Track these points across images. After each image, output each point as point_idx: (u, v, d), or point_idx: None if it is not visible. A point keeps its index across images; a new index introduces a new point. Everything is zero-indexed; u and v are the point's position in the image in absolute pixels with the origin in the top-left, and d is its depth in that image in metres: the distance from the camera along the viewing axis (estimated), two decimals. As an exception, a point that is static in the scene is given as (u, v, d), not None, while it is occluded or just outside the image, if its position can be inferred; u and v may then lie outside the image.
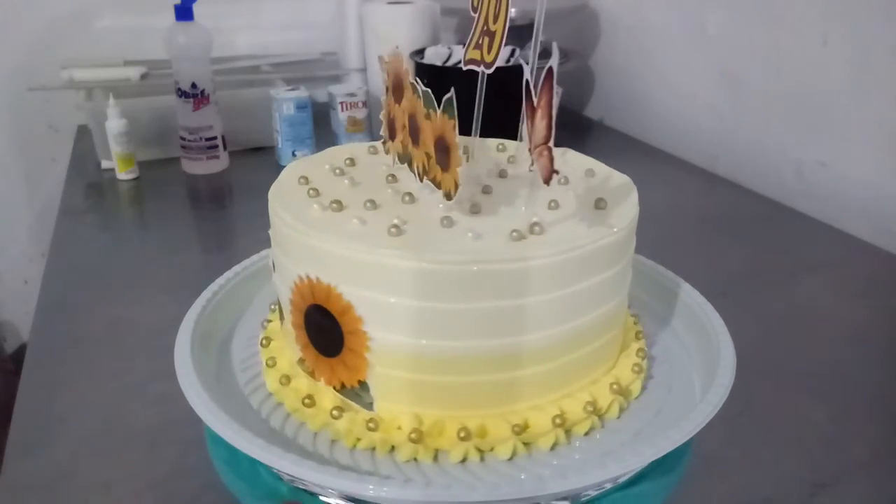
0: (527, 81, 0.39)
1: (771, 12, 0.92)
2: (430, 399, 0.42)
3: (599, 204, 0.45)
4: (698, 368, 0.49)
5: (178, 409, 0.43)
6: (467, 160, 0.50)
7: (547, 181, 0.38)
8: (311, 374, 0.45)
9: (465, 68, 0.45)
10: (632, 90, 1.20)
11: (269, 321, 0.52)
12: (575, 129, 1.23)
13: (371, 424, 0.42)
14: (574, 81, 1.30)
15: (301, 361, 0.46)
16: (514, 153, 0.54)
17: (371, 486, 0.37)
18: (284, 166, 0.51)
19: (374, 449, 0.42)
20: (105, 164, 0.99)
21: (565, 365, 0.44)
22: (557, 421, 0.42)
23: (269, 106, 1.00)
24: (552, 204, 0.44)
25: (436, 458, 0.42)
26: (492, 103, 0.49)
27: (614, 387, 0.45)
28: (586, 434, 0.44)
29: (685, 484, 0.45)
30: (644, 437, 0.43)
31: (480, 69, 0.45)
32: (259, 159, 1.04)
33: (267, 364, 0.48)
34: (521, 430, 0.42)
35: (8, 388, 0.63)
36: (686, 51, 1.07)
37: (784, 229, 0.84)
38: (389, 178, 0.48)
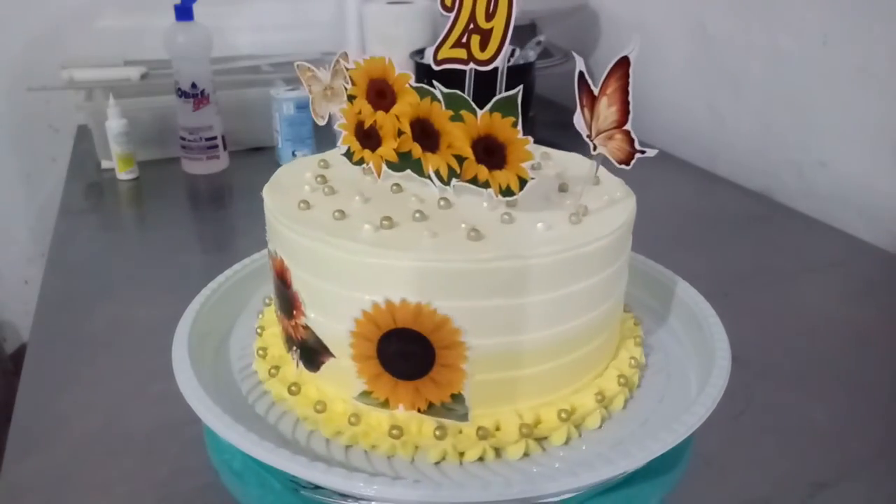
0: (580, 73, 0.41)
1: (771, 12, 0.92)
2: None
3: (594, 205, 0.45)
4: (695, 366, 0.49)
5: (178, 409, 0.43)
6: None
7: (625, 162, 0.40)
8: (385, 403, 0.43)
9: (437, 67, 0.45)
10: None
11: (263, 328, 0.52)
12: (575, 129, 1.23)
13: (395, 431, 0.42)
14: (574, 81, 1.29)
15: (366, 394, 0.43)
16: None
17: (361, 483, 0.37)
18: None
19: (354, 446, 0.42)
20: (105, 164, 0.99)
21: (562, 365, 0.44)
22: (563, 415, 0.42)
23: (269, 106, 1.00)
24: (550, 205, 0.44)
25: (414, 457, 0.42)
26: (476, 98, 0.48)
27: (598, 396, 0.45)
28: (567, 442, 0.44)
29: (685, 484, 0.45)
30: (637, 438, 0.43)
31: (469, 67, 0.44)
32: (259, 159, 1.04)
33: (269, 374, 0.47)
34: (529, 429, 0.42)
35: (8, 388, 0.63)
36: (686, 51, 1.07)
37: (784, 229, 0.84)
38: (394, 187, 0.46)
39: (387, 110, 0.45)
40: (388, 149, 0.46)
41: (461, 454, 0.42)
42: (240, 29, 1.25)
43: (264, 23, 1.28)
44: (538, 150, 0.53)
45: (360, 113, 0.47)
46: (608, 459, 0.39)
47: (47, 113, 1.21)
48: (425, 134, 0.43)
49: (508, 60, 0.97)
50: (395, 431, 0.41)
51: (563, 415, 0.43)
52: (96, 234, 0.85)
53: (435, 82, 0.42)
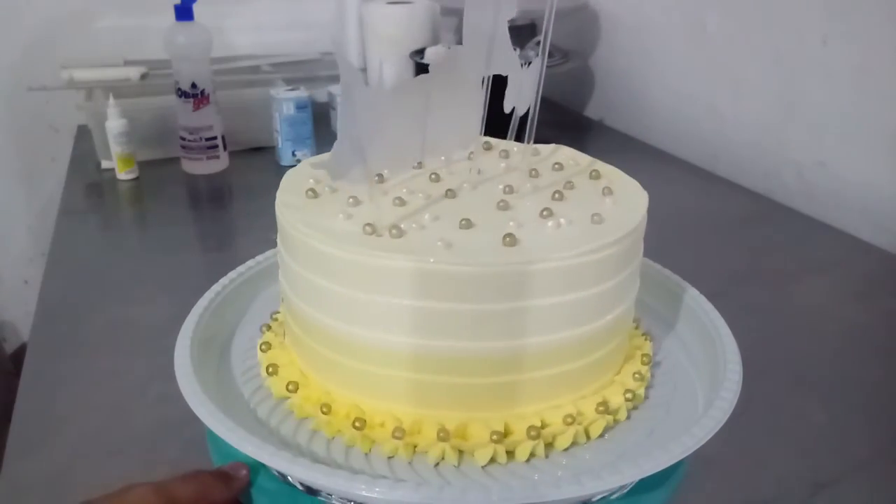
0: None
1: (771, 12, 0.92)
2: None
3: (606, 209, 0.45)
4: (702, 377, 0.49)
5: (178, 409, 0.43)
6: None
7: None
8: None
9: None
10: (632, 90, 1.19)
11: (269, 327, 0.52)
12: (575, 129, 1.23)
13: (357, 424, 0.42)
14: (574, 81, 1.30)
15: None
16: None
17: (363, 486, 0.37)
18: (284, 166, 0.51)
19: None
20: (105, 164, 0.99)
21: (569, 371, 0.44)
22: (567, 420, 0.42)
23: (269, 106, 1.00)
24: (558, 207, 0.44)
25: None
26: (492, 104, 0.49)
27: (599, 407, 0.45)
28: (600, 435, 0.43)
29: (685, 484, 0.45)
30: (643, 448, 0.43)
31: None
32: (259, 159, 1.04)
33: (268, 372, 0.47)
34: (537, 433, 0.42)
35: (8, 388, 0.63)
36: (686, 51, 1.07)
37: (784, 229, 0.84)
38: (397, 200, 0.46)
39: None
40: None
41: (473, 454, 0.42)
42: (240, 29, 1.25)
43: (264, 23, 1.28)
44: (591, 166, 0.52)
45: None
46: (613, 469, 0.39)
47: (47, 113, 1.21)
48: None
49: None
50: (397, 433, 0.41)
51: (569, 419, 0.43)
52: (96, 234, 0.85)
53: None
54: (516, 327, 0.41)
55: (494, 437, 0.41)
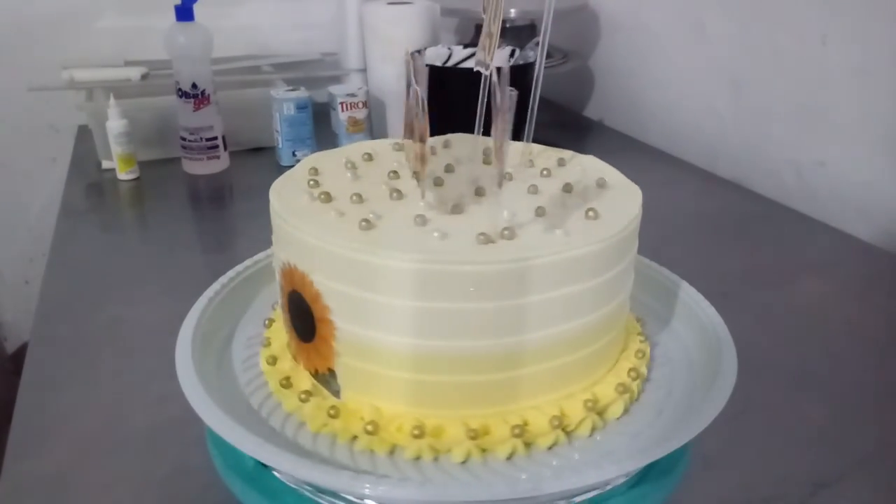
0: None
1: (771, 12, 0.92)
2: (393, 394, 0.43)
3: (600, 205, 0.45)
4: (699, 371, 0.49)
5: (178, 409, 0.43)
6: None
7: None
8: (294, 357, 0.46)
9: (477, 70, 0.45)
10: (632, 90, 1.20)
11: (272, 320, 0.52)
12: (575, 129, 1.23)
13: (332, 412, 0.42)
14: (574, 81, 1.30)
15: (288, 345, 0.47)
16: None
17: (367, 485, 0.37)
18: (285, 166, 0.51)
19: (372, 450, 0.42)
20: (106, 164, 0.99)
21: (564, 366, 0.44)
22: (555, 422, 0.42)
23: (270, 106, 1.00)
24: (550, 204, 0.44)
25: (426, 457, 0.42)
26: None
27: (619, 387, 0.45)
28: (590, 435, 0.43)
29: (685, 484, 0.45)
30: (644, 440, 0.43)
31: (484, 70, 0.45)
32: (259, 159, 1.04)
33: (267, 362, 0.48)
34: (521, 430, 0.42)
35: (8, 388, 0.63)
36: (686, 51, 1.07)
37: (784, 229, 0.84)
38: (392, 174, 0.47)
39: None
40: None
41: (486, 450, 0.42)
42: (240, 29, 1.25)
43: (264, 23, 1.28)
44: (555, 156, 0.52)
45: None
46: (600, 464, 0.39)
47: (48, 113, 1.21)
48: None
49: (508, 61, 0.97)
50: (332, 412, 0.42)
51: (555, 421, 0.43)
52: (97, 234, 0.85)
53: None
54: (512, 324, 0.41)
55: (516, 431, 0.41)
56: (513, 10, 1.11)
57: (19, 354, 1.27)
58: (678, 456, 0.43)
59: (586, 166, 0.51)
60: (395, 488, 0.38)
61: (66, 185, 0.97)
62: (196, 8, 0.92)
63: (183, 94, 0.94)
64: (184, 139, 0.97)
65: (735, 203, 0.92)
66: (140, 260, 0.77)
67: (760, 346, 0.59)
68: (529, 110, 0.49)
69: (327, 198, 0.43)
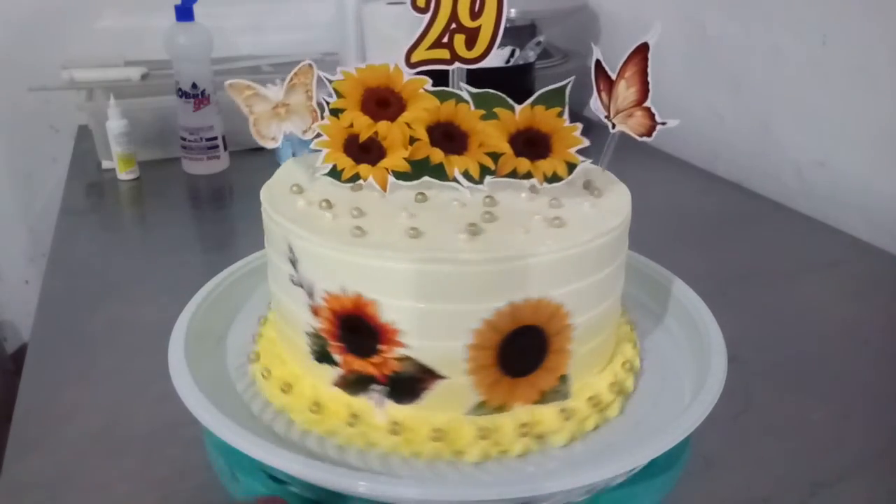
0: (598, 60, 0.45)
1: (771, 12, 0.92)
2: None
3: (591, 204, 0.45)
4: (689, 367, 0.49)
5: (178, 409, 0.43)
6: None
7: (647, 135, 0.45)
8: (500, 408, 0.43)
9: (413, 71, 0.44)
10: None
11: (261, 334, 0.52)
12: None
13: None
14: (574, 81, 1.29)
15: (480, 406, 0.43)
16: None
17: (362, 483, 0.37)
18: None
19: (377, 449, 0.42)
20: (106, 164, 0.99)
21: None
22: (565, 416, 0.42)
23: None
24: (549, 203, 0.44)
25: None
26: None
27: (593, 400, 0.45)
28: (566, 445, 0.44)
29: (685, 484, 0.45)
30: (633, 440, 0.43)
31: (453, 68, 0.44)
32: (259, 159, 1.04)
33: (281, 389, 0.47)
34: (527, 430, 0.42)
35: (8, 388, 0.63)
36: (686, 51, 1.07)
37: (784, 229, 0.84)
38: (419, 196, 0.45)
39: (392, 119, 0.44)
40: (396, 159, 0.45)
41: (498, 451, 0.42)
42: (240, 29, 1.25)
43: (264, 23, 1.28)
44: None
45: (351, 126, 0.45)
46: (604, 460, 0.39)
47: (47, 113, 1.21)
48: (448, 137, 0.44)
49: (508, 61, 0.97)
50: (435, 434, 0.41)
51: (565, 415, 0.43)
52: (97, 234, 0.85)
53: (463, 84, 0.43)
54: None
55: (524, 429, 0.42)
56: (513, 10, 1.11)
57: (19, 354, 1.27)
58: (676, 454, 0.43)
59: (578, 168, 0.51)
60: (393, 486, 0.38)
61: (66, 185, 0.97)
62: (196, 8, 0.92)
63: (183, 94, 0.94)
64: (184, 139, 0.97)
65: (735, 203, 0.92)
66: (140, 260, 0.77)
67: (760, 346, 0.59)
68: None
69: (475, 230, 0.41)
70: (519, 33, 1.15)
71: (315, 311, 0.42)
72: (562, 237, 0.41)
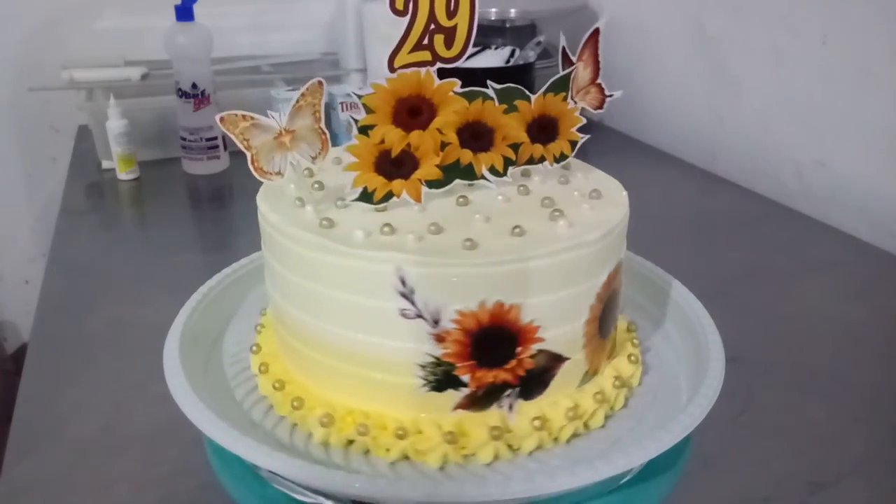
0: (563, 47, 0.48)
1: (771, 12, 0.92)
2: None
3: (590, 206, 0.45)
4: (687, 368, 0.49)
5: (178, 409, 0.43)
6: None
7: (599, 107, 0.50)
8: (596, 372, 0.47)
9: (396, 75, 0.42)
10: (632, 90, 1.19)
11: (263, 326, 0.52)
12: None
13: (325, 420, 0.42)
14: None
15: (588, 375, 0.46)
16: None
17: (358, 483, 0.37)
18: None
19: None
20: (106, 164, 0.99)
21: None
22: (536, 424, 0.42)
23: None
24: (544, 203, 0.44)
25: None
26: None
27: (598, 396, 0.45)
28: (568, 441, 0.44)
29: (684, 484, 0.45)
30: (628, 442, 0.43)
31: (435, 69, 0.44)
32: (259, 159, 1.04)
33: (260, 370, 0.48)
34: (541, 424, 0.42)
35: (8, 388, 0.63)
36: (686, 51, 1.07)
37: (783, 229, 0.84)
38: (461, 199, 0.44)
39: (424, 127, 0.42)
40: (429, 167, 0.43)
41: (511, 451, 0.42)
42: (240, 29, 1.25)
43: (264, 23, 1.28)
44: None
45: (382, 142, 0.42)
46: (607, 459, 0.39)
47: (47, 113, 1.21)
48: (476, 136, 0.44)
49: (508, 61, 0.97)
50: (448, 436, 0.41)
51: (570, 413, 0.43)
52: (97, 234, 0.85)
53: (489, 82, 0.44)
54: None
55: (536, 423, 0.42)
56: (513, 11, 1.11)
57: (19, 354, 1.27)
58: (675, 455, 0.43)
59: (573, 168, 0.51)
60: (390, 488, 0.38)
61: (66, 185, 0.97)
62: (196, 8, 0.92)
63: (183, 94, 0.94)
64: (184, 139, 0.97)
65: (735, 203, 0.92)
66: (140, 260, 0.77)
67: (760, 346, 0.59)
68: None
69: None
70: (519, 33, 1.15)
71: (440, 339, 0.40)
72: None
